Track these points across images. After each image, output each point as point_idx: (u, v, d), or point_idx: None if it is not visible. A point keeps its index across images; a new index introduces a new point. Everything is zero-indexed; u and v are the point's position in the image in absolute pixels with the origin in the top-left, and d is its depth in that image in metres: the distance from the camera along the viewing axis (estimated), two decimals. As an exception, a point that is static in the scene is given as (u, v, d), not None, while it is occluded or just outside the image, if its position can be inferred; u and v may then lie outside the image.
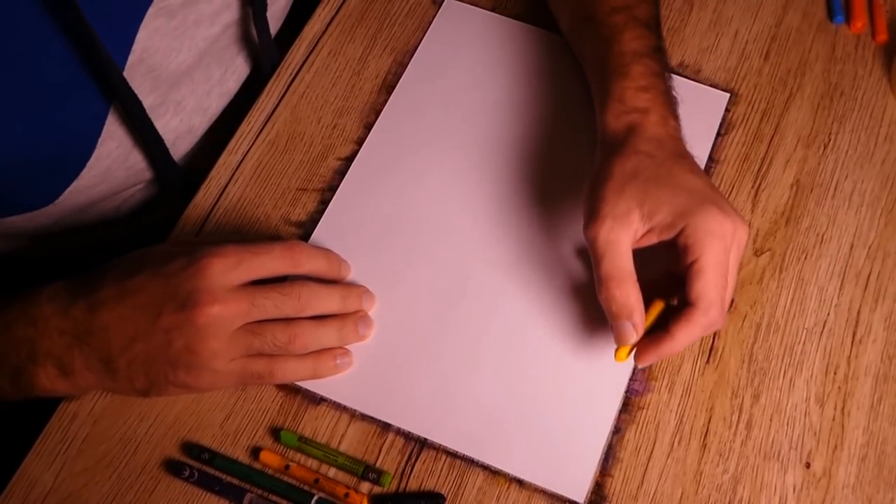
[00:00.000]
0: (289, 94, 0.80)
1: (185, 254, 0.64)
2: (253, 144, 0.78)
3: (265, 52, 0.80)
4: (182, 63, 0.74)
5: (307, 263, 0.68)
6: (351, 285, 0.70)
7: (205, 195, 0.76)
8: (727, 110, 0.80)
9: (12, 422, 0.67)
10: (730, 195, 0.76)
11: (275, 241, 0.70)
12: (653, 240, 0.63)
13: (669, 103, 0.70)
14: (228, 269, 0.63)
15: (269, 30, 0.80)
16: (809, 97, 0.80)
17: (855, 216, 0.75)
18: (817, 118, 0.79)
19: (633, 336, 0.62)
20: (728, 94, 0.80)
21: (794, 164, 0.77)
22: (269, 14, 0.79)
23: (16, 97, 0.64)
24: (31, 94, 0.65)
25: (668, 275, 0.65)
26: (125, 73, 0.69)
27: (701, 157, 0.76)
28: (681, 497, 0.65)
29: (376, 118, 0.79)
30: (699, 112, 0.78)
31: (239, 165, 0.77)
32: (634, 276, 0.62)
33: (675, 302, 0.65)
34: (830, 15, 0.84)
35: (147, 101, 0.72)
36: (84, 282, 0.64)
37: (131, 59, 0.69)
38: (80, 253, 0.81)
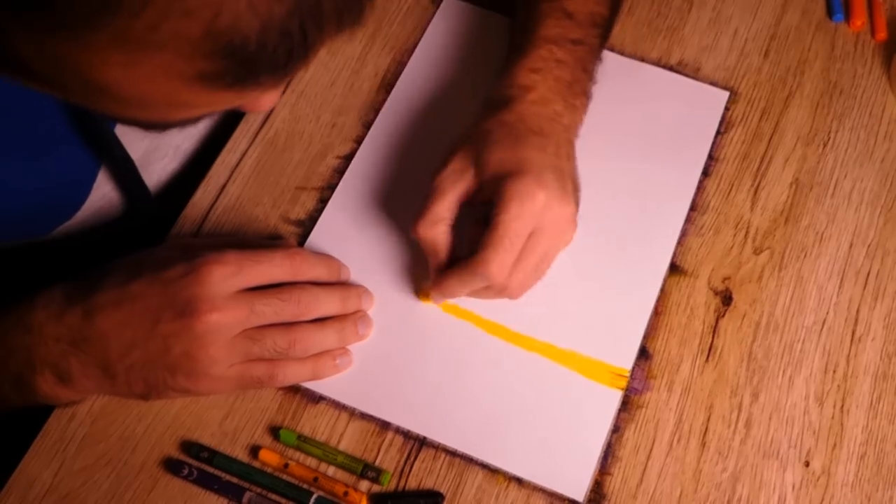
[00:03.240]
0: (287, 93, 0.80)
1: (184, 259, 0.64)
2: (252, 143, 0.78)
3: None
4: None
5: (308, 271, 0.67)
6: (350, 285, 0.70)
7: (203, 194, 0.75)
8: (727, 109, 0.79)
9: (12, 421, 0.67)
10: (729, 194, 0.76)
11: (274, 246, 0.70)
12: (480, 197, 0.67)
13: (564, 91, 0.70)
14: (228, 277, 0.63)
15: None
16: (809, 95, 0.80)
17: (854, 214, 0.75)
18: (817, 116, 0.79)
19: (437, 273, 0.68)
20: (728, 93, 0.80)
21: (794, 162, 0.77)
22: None
23: (9, 150, 0.64)
24: (24, 148, 0.65)
25: None
26: (120, 123, 0.69)
27: (700, 156, 0.76)
28: (680, 495, 0.65)
29: (375, 116, 0.79)
30: (699, 110, 0.78)
31: (238, 164, 0.77)
32: (448, 223, 0.66)
33: None
34: (830, 13, 0.84)
35: (142, 145, 0.72)
36: (80, 286, 0.64)
37: None
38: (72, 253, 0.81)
